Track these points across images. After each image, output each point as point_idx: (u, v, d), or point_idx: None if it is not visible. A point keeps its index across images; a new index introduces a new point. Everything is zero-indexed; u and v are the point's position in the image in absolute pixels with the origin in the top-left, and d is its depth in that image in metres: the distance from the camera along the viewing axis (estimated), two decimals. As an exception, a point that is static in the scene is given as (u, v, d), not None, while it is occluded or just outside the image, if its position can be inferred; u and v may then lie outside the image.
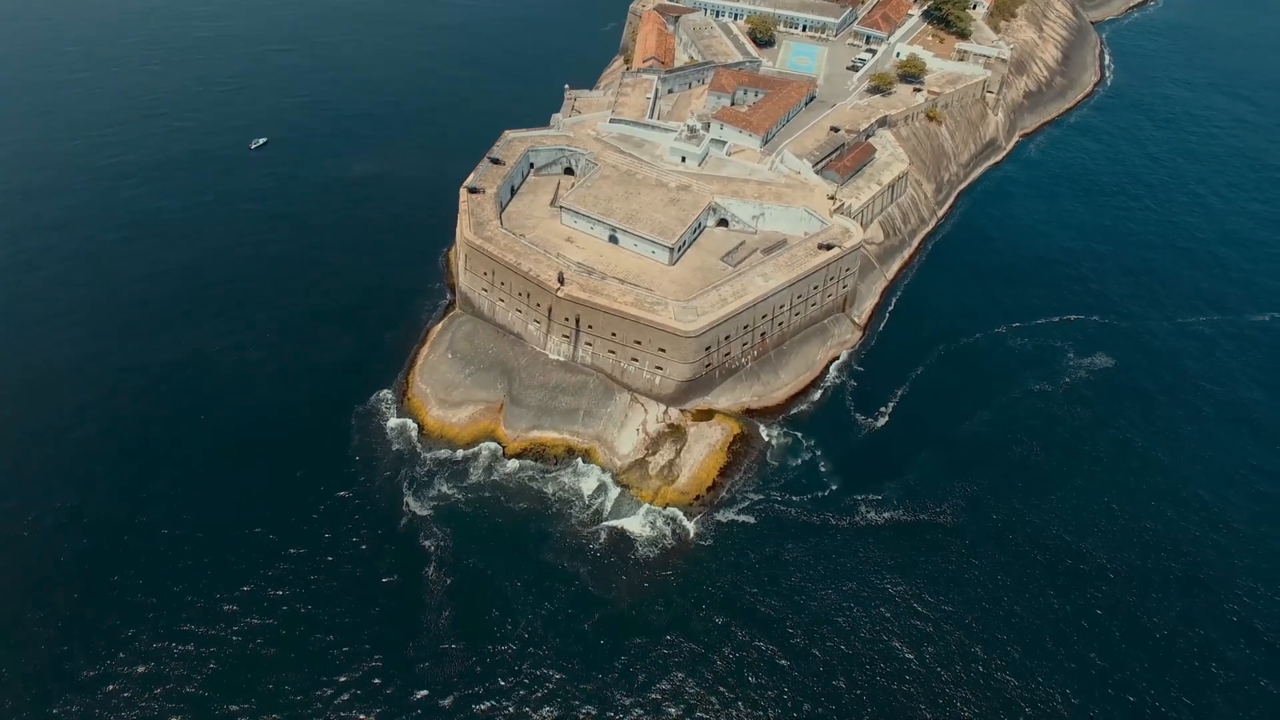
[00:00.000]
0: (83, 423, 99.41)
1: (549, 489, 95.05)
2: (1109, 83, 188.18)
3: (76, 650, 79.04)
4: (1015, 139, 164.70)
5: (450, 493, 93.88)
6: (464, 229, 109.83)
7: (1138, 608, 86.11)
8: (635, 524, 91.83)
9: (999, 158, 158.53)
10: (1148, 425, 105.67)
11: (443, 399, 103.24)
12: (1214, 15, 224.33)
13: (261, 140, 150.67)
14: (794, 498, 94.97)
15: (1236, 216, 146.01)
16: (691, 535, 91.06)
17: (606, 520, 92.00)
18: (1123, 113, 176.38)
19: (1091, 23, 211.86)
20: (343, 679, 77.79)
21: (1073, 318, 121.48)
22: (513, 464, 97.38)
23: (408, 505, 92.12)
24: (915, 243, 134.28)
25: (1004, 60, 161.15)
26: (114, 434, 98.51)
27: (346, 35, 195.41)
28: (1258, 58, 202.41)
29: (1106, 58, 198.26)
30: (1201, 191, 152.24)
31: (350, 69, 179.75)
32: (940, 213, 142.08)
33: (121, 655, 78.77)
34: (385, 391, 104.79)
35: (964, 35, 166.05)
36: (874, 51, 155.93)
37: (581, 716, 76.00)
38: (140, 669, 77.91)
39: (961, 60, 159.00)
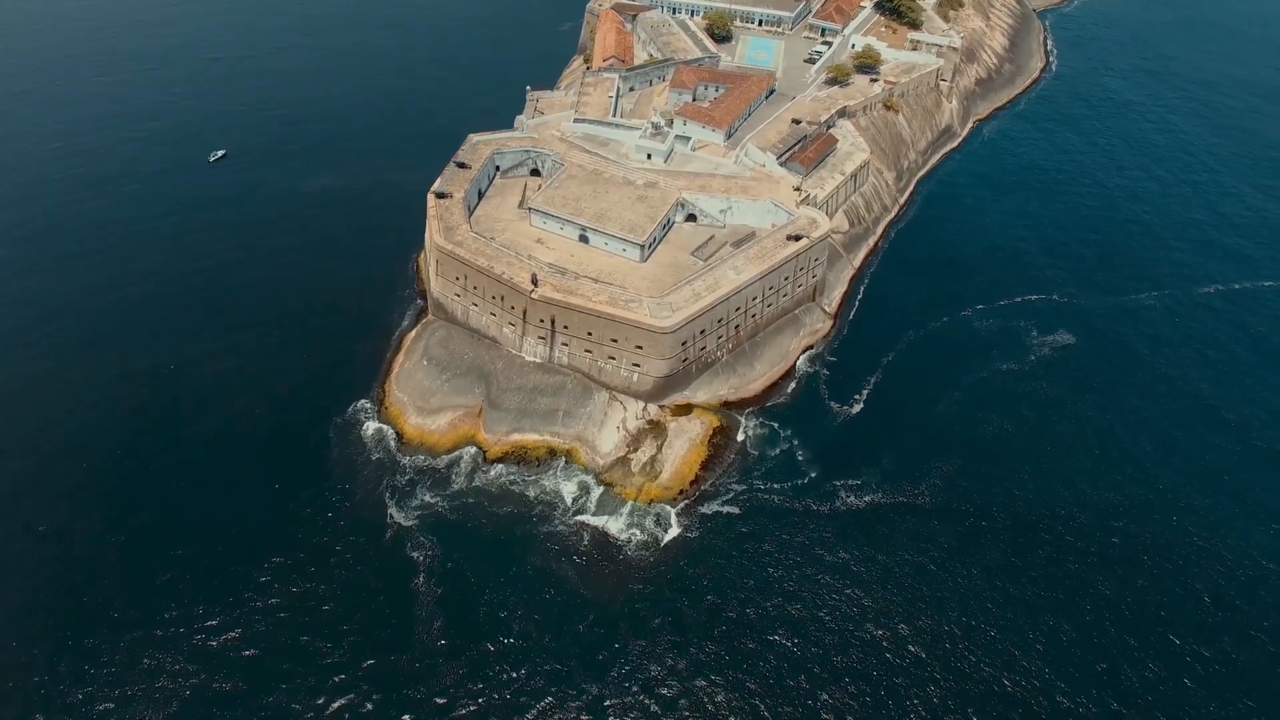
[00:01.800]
0: (53, 438, 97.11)
1: (532, 492, 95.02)
2: (1054, 69, 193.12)
3: (61, 671, 77.28)
4: (970, 125, 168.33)
5: (433, 501, 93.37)
6: (434, 234, 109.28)
7: (1109, 579, 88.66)
8: (620, 522, 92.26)
9: (955, 144, 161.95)
10: (1107, 400, 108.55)
11: (421, 406, 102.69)
12: (1151, 2, 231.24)
13: (220, 153, 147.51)
14: (775, 486, 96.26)
15: (1178, 190, 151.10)
16: (677, 530, 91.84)
17: (591, 520, 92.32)
18: (1067, 98, 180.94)
19: (1035, 10, 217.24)
20: (334, 688, 77.12)
21: (1034, 298, 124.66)
22: (495, 468, 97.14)
23: (391, 516, 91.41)
24: (879, 230, 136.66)
25: (955, 49, 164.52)
26: (85, 449, 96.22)
27: (300, 41, 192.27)
28: (1192, 44, 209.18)
29: (1050, 44, 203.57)
30: (1145, 173, 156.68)
31: (306, 74, 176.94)
32: (902, 200, 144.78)
33: (106, 674, 77.19)
34: (363, 401, 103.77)
35: (915, 25, 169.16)
36: (830, 44, 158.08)
37: (575, 713, 76.46)
38: (125, 689, 76.39)
39: (915, 50, 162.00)
